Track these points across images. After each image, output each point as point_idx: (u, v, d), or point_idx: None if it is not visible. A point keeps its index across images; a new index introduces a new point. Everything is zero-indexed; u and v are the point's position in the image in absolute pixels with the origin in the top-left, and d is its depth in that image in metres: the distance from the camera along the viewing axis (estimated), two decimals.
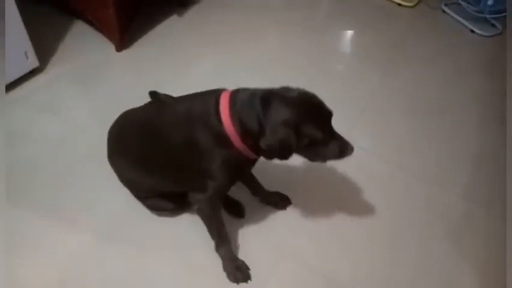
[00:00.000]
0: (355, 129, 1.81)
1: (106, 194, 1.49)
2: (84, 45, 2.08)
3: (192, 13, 2.35)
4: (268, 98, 1.03)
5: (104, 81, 1.93)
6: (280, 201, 1.50)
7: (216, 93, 1.09)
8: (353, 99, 1.96)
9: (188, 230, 1.41)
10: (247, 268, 1.33)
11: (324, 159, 1.12)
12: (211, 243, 1.31)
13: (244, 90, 1.09)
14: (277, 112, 1.01)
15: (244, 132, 1.04)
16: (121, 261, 1.34)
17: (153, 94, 1.50)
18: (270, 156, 1.09)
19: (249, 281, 1.30)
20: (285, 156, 1.06)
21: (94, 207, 1.47)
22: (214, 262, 1.33)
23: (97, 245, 1.37)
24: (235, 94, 1.08)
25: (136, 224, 1.42)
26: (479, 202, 1.58)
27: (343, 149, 1.10)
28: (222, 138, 1.05)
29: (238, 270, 1.31)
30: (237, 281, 1.30)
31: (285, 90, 1.08)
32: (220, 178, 1.12)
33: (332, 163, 1.63)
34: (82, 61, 2.00)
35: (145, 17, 2.19)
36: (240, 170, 1.18)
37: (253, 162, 1.21)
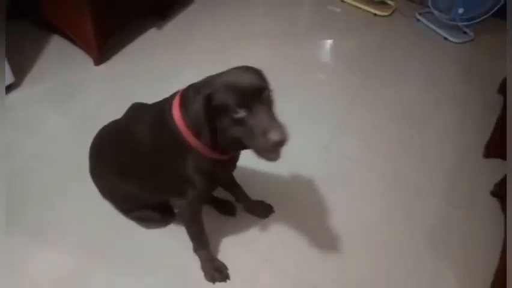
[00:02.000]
0: (337, 137, 1.83)
1: (87, 211, 1.47)
2: (62, 60, 2.06)
3: (171, 26, 2.35)
4: (203, 82, 1.00)
5: (83, 96, 1.91)
6: (262, 210, 1.50)
7: (173, 95, 1.08)
8: (335, 107, 1.99)
9: (173, 239, 1.39)
10: (226, 268, 1.33)
11: (250, 142, 0.94)
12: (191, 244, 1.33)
13: (192, 85, 1.04)
14: (201, 91, 0.96)
15: (190, 125, 1.00)
16: (105, 277, 1.31)
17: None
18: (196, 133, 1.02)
19: (227, 280, 1.31)
20: (202, 133, 0.98)
21: (76, 225, 1.44)
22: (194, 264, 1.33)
23: (80, 262, 1.34)
24: (185, 92, 1.04)
25: (119, 239, 1.40)
26: (458, 205, 1.62)
27: (265, 131, 0.90)
28: (181, 140, 1.02)
29: (216, 270, 1.31)
30: (213, 280, 1.30)
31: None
32: (197, 183, 1.10)
33: (313, 170, 1.67)
34: (60, 76, 1.98)
35: (124, 31, 2.19)
36: (215, 173, 1.13)
37: (229, 164, 1.18)
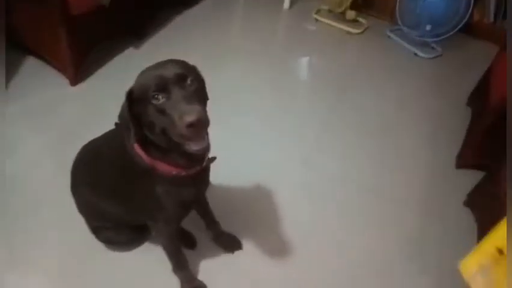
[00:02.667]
0: (314, 151, 1.86)
1: (63, 233, 1.44)
2: (37, 80, 2.03)
3: (148, 45, 2.36)
4: None
5: (59, 116, 1.88)
6: (230, 244, 1.45)
7: None
8: (311, 122, 2.03)
9: (152, 259, 1.37)
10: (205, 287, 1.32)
11: (172, 129, 0.90)
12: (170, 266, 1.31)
13: None
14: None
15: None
16: None
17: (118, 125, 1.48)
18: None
19: None
20: (127, 130, 0.97)
21: (51, 245, 1.40)
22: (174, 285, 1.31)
23: (55, 285, 1.30)
24: None
25: (95, 261, 1.38)
26: (432, 214, 1.66)
27: (182, 114, 0.86)
28: (140, 163, 1.02)
29: None
30: None
31: None
32: (164, 207, 1.09)
33: (290, 185, 1.68)
34: (36, 96, 1.95)
35: (101, 50, 2.18)
36: (182, 193, 1.10)
37: (196, 182, 1.12)
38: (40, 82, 2.03)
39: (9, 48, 2.13)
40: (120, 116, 0.99)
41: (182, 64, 0.97)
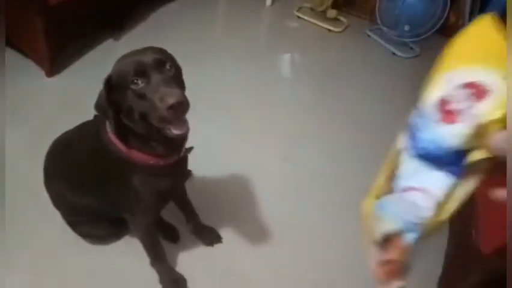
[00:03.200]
0: (294, 147, 1.88)
1: (39, 226, 1.41)
2: (11, 72, 1.96)
3: (129, 37, 2.32)
4: None
5: (35, 108, 1.83)
6: (210, 237, 1.45)
7: None
8: (293, 119, 2.05)
9: (129, 253, 1.36)
10: (184, 281, 1.32)
11: (153, 112, 0.89)
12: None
13: None
14: None
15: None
16: None
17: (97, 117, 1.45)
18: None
19: None
20: (104, 115, 0.98)
21: (27, 240, 1.38)
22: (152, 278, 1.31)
23: (32, 281, 1.28)
24: None
25: (72, 255, 1.36)
26: None
27: (163, 96, 0.86)
28: (116, 153, 1.01)
29: (174, 283, 1.30)
30: None
31: None
32: (141, 198, 1.07)
33: (272, 180, 1.70)
34: (10, 87, 1.88)
35: (79, 42, 2.13)
36: (159, 184, 1.08)
37: (173, 173, 1.10)
38: (15, 73, 1.96)
39: None
40: (97, 104, 0.98)
41: (160, 50, 0.97)
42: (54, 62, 1.97)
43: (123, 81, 0.90)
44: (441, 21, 2.45)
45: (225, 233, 1.49)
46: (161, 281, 1.31)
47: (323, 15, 2.76)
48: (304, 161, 1.82)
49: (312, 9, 2.81)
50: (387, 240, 0.45)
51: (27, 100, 1.86)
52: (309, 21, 2.79)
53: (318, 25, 2.76)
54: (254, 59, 2.42)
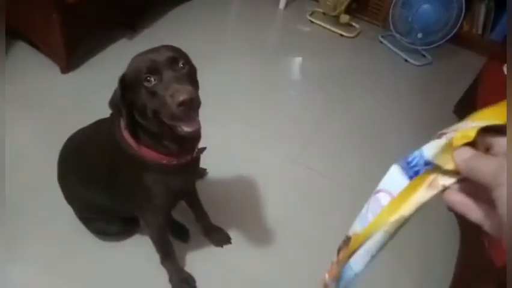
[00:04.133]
0: (305, 151, 1.89)
1: (50, 223, 1.42)
2: (27, 67, 2.00)
3: (142, 37, 2.35)
4: None
5: (49, 104, 1.85)
6: (220, 238, 1.46)
7: None
8: (302, 123, 2.05)
9: (139, 251, 1.37)
10: (194, 280, 1.33)
11: (163, 109, 0.89)
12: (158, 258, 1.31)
13: None
14: None
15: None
16: None
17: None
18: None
19: None
20: (120, 112, 0.97)
21: (39, 235, 1.39)
22: (162, 277, 1.31)
23: (41, 275, 1.29)
24: None
25: (82, 252, 1.37)
26: (416, 219, 1.69)
27: (173, 93, 0.86)
28: (128, 151, 1.01)
29: (183, 282, 1.31)
30: None
31: None
32: (152, 196, 1.08)
33: (280, 183, 1.70)
34: (25, 83, 1.92)
35: (94, 39, 2.16)
36: (170, 182, 1.09)
37: (185, 171, 1.11)
38: (31, 69, 1.99)
39: None
40: (111, 101, 0.99)
41: (174, 48, 0.97)
42: (70, 59, 2.00)
43: (136, 78, 0.91)
44: (455, 29, 2.44)
45: (233, 233, 1.49)
46: (171, 280, 1.31)
47: (335, 20, 2.77)
48: (312, 164, 1.83)
49: (324, 14, 2.82)
50: (345, 243, 0.46)
51: (41, 96, 1.89)
52: (322, 26, 2.79)
53: (331, 30, 2.77)
54: (265, 62, 2.43)
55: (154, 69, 0.90)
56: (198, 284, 1.34)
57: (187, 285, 1.31)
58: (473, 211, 0.37)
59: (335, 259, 0.47)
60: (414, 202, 0.40)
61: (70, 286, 1.29)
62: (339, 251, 0.47)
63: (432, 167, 0.39)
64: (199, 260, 1.40)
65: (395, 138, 2.06)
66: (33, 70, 1.99)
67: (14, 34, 2.07)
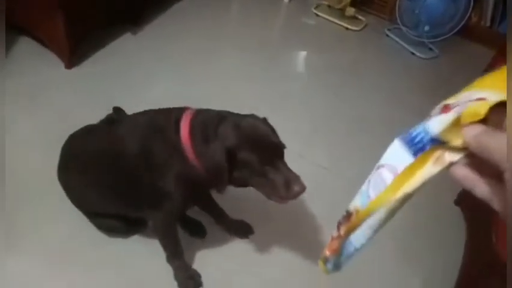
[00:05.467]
0: (310, 146, 1.87)
1: (55, 218, 1.42)
2: (31, 62, 2.00)
3: (145, 32, 2.34)
4: (221, 120, 1.04)
5: (53, 99, 1.85)
6: (242, 230, 1.48)
7: (179, 110, 1.11)
8: (308, 118, 2.03)
9: (137, 246, 1.37)
10: (199, 276, 1.33)
11: (269, 193, 1.04)
12: (163, 254, 1.30)
13: (208, 110, 1.12)
14: (222, 136, 1.01)
15: (197, 150, 1.05)
16: (71, 286, 1.27)
17: (117, 110, 1.47)
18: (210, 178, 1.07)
19: None
20: (219, 182, 1.04)
21: (41, 230, 1.39)
22: (166, 274, 1.32)
23: (46, 271, 1.29)
24: (198, 112, 1.10)
25: (88, 249, 1.37)
26: (422, 213, 1.68)
27: (289, 185, 1.00)
28: (177, 152, 1.05)
29: (189, 278, 1.31)
30: None
31: (243, 117, 1.08)
32: (174, 198, 1.11)
33: None
34: (29, 78, 1.92)
35: (97, 34, 2.15)
36: (195, 189, 1.16)
37: (211, 183, 1.17)
38: (34, 63, 1.99)
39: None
40: (213, 166, 1.02)
41: (274, 130, 1.09)
42: (74, 54, 1.99)
43: (247, 163, 0.99)
44: (463, 22, 2.40)
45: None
46: (177, 277, 1.31)
47: (341, 13, 2.73)
48: (319, 160, 1.81)
49: (330, 6, 2.79)
50: (346, 218, 0.46)
51: (45, 91, 1.88)
52: (327, 19, 2.76)
53: (336, 23, 2.73)
54: (269, 55, 2.41)
55: (268, 161, 1.00)
56: (203, 280, 1.33)
57: (193, 282, 1.31)
58: (480, 186, 0.36)
59: (335, 234, 0.48)
60: (419, 178, 0.39)
61: (72, 280, 1.29)
62: (339, 225, 0.47)
63: (438, 143, 0.38)
64: (205, 258, 1.40)
65: (400, 132, 2.04)
66: (37, 65, 1.99)
67: (18, 29, 2.07)
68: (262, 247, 1.46)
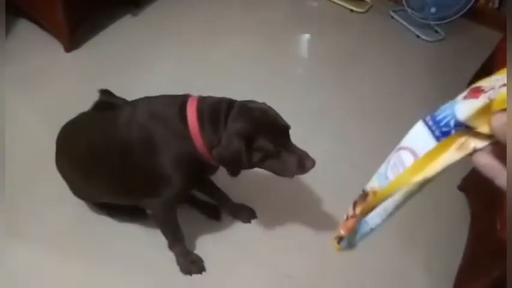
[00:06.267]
0: (314, 131, 1.85)
1: (56, 204, 1.42)
2: (30, 46, 1.97)
3: (147, 13, 2.29)
4: (229, 106, 1.05)
5: (52, 83, 1.84)
6: (245, 214, 1.48)
7: (182, 97, 1.10)
8: (311, 102, 2.01)
9: (147, 235, 1.37)
10: (202, 261, 1.34)
11: (283, 172, 1.11)
12: (165, 241, 1.31)
13: (210, 96, 1.11)
14: (234, 123, 1.02)
15: (207, 137, 1.05)
16: (78, 276, 1.28)
17: (104, 92, 1.45)
18: (223, 165, 1.09)
19: (203, 272, 1.32)
20: (235, 169, 1.07)
21: (43, 216, 1.39)
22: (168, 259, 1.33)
23: (48, 257, 1.30)
24: (203, 99, 1.09)
25: (92, 235, 1.38)
26: (426, 198, 1.67)
27: (301, 162, 1.08)
28: (182, 138, 1.04)
29: (192, 263, 1.32)
30: (190, 273, 1.31)
31: (246, 102, 1.09)
32: (175, 183, 1.10)
33: None
34: (28, 62, 1.90)
35: (98, 16, 2.11)
36: (196, 174, 1.16)
37: (213, 168, 1.19)
38: (33, 47, 1.97)
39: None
40: (230, 156, 1.03)
41: (278, 115, 1.13)
42: (73, 37, 1.96)
43: (262, 149, 1.04)
44: (470, 4, 2.34)
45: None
46: (179, 263, 1.31)
47: None
48: (322, 145, 1.79)
49: None
50: (362, 197, 0.46)
51: (45, 74, 1.86)
52: (331, 1, 2.70)
53: (340, 5, 2.67)
54: (273, 38, 2.36)
55: (281, 144, 1.06)
56: (206, 264, 1.34)
57: (196, 266, 1.31)
58: (502, 176, 0.35)
59: (350, 212, 0.48)
60: (441, 163, 0.39)
61: (72, 267, 1.30)
62: (355, 204, 0.47)
63: (463, 129, 0.36)
64: (208, 243, 1.40)
65: (407, 116, 2.01)
66: (36, 49, 1.96)
67: (17, 12, 2.04)
68: (265, 231, 1.46)
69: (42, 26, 2.01)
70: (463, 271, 1.31)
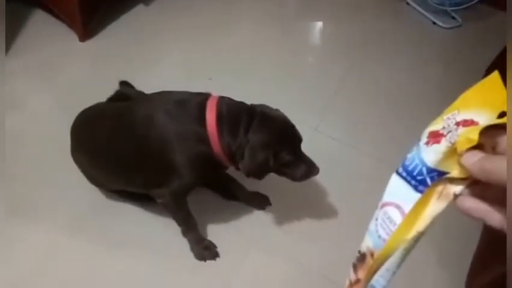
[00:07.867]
0: (326, 119, 1.85)
1: (71, 190, 1.45)
2: (44, 35, 2.00)
3: (159, 3, 2.30)
4: (250, 114, 1.08)
5: (67, 72, 1.86)
6: (259, 201, 1.49)
7: (201, 96, 1.11)
8: (323, 89, 1.99)
9: (154, 218, 1.40)
10: (215, 247, 1.36)
11: (293, 178, 1.19)
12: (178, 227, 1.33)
13: (230, 99, 1.14)
14: (257, 134, 1.06)
15: (225, 141, 1.06)
16: (87, 257, 1.32)
17: (124, 84, 1.46)
18: (248, 176, 1.12)
19: (217, 258, 1.34)
20: (260, 176, 1.13)
21: (59, 203, 1.43)
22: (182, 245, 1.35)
23: (64, 243, 1.34)
24: (222, 101, 1.10)
25: (101, 219, 1.41)
26: None
27: (310, 170, 1.18)
28: (200, 140, 1.07)
29: (205, 249, 1.34)
30: (204, 259, 1.33)
31: (264, 109, 1.13)
32: (185, 177, 1.12)
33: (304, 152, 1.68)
34: (43, 51, 1.93)
35: (111, 6, 2.13)
36: (209, 170, 1.19)
37: (225, 167, 1.21)
38: (47, 37, 1.99)
39: (15, 1, 2.08)
40: (254, 167, 1.10)
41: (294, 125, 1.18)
42: (87, 26, 1.98)
43: (280, 161, 1.11)
44: None
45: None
46: (193, 249, 1.34)
47: None
48: (335, 133, 1.79)
49: None
50: (360, 260, 0.46)
51: (60, 63, 1.89)
52: None
53: None
54: (283, 27, 2.34)
55: (297, 155, 1.15)
56: (220, 251, 1.36)
57: (209, 252, 1.33)
58: (490, 215, 0.35)
59: (352, 277, 0.47)
60: (429, 215, 0.39)
61: (86, 251, 1.33)
62: (355, 267, 0.47)
63: (437, 175, 0.37)
64: (222, 230, 1.42)
65: (420, 105, 1.99)
66: (51, 38, 1.99)
67: (32, 2, 2.06)
68: (279, 218, 1.47)
69: (56, 16, 2.03)
70: (476, 263, 1.30)
